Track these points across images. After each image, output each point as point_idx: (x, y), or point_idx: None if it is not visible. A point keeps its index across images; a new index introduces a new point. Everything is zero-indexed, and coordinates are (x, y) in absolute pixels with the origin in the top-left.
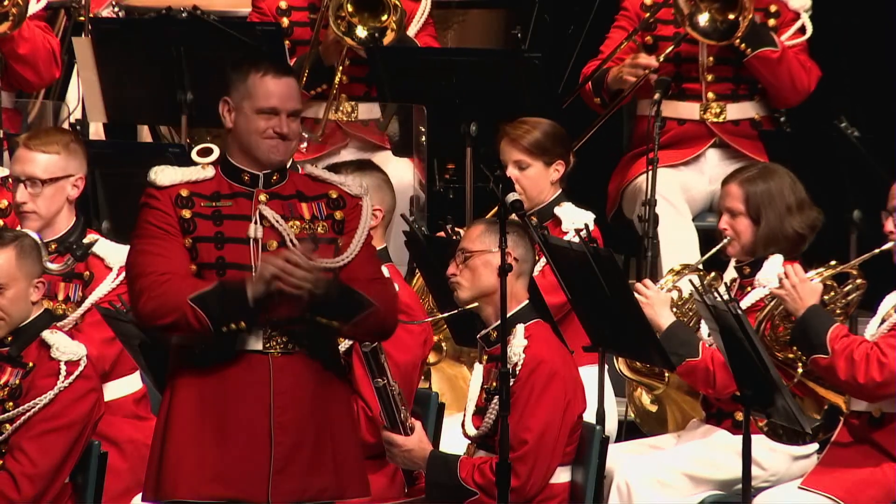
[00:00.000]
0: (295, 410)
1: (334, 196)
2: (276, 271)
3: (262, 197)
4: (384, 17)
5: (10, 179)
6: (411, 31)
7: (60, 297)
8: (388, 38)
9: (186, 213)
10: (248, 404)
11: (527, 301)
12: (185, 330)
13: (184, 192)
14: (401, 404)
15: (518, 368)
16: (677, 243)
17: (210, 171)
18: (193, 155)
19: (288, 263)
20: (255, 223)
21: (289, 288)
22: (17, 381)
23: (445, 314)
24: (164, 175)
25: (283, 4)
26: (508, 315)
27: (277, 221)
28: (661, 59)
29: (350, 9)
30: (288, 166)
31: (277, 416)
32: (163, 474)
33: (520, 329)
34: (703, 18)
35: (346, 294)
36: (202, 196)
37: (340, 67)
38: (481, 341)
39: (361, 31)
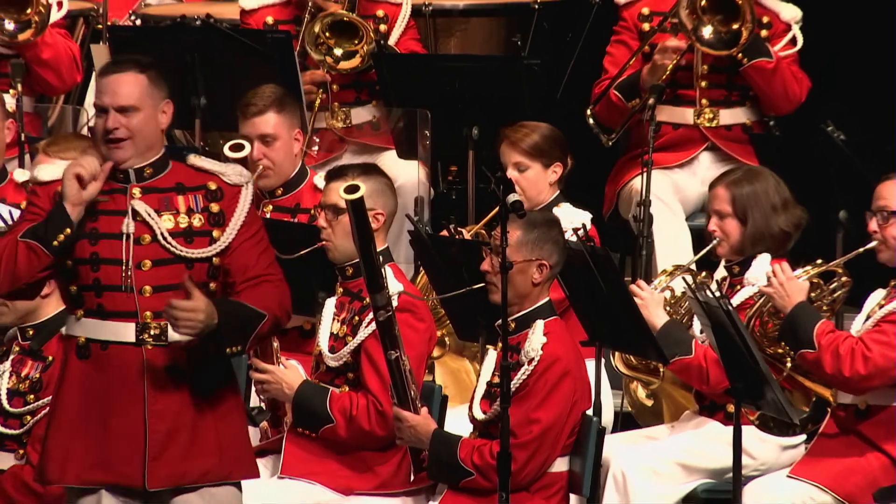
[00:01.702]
0: (169, 399)
1: (213, 187)
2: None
3: (136, 191)
4: (356, 41)
5: (30, 185)
6: (394, 36)
7: None
8: (356, 61)
9: None
10: (124, 394)
11: (547, 298)
12: (28, 269)
13: (60, 188)
14: (411, 381)
15: (535, 362)
16: (671, 242)
17: None
18: (226, 150)
19: (178, 310)
20: (129, 218)
21: (185, 332)
22: (38, 375)
23: (450, 293)
24: (45, 172)
25: (270, 19)
26: (528, 310)
27: (150, 216)
28: (675, 61)
29: (326, 34)
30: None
31: (151, 404)
32: (48, 461)
33: (539, 325)
34: (707, 31)
35: (237, 316)
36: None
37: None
38: (498, 329)
39: (338, 51)
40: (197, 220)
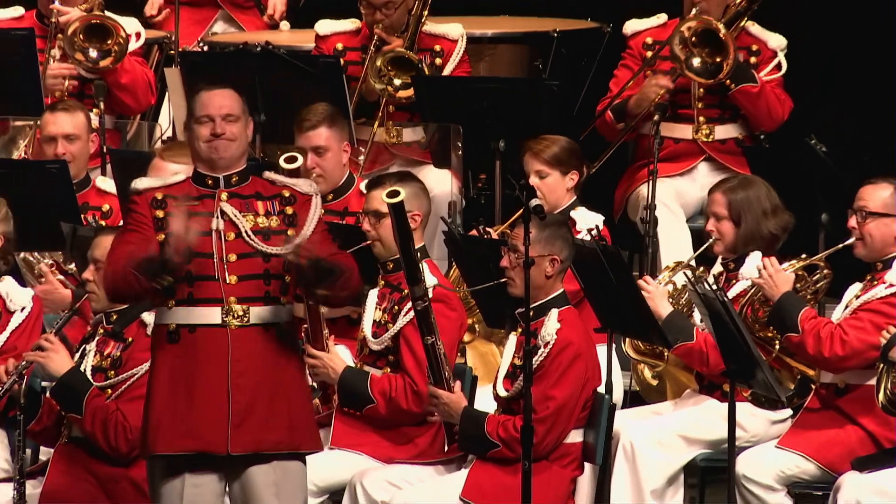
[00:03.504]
0: (250, 374)
1: (287, 195)
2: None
3: (224, 196)
4: (414, 73)
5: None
6: (449, 67)
7: None
8: (410, 91)
9: (160, 213)
10: (210, 369)
11: (561, 289)
12: (135, 293)
13: (158, 195)
14: (445, 363)
15: (550, 346)
16: (673, 241)
17: (181, 177)
18: (281, 161)
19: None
20: (217, 217)
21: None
22: (119, 354)
23: (478, 287)
24: (141, 182)
25: (340, 46)
26: (545, 300)
27: (235, 216)
28: (673, 84)
29: (388, 67)
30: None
31: (234, 378)
32: (147, 434)
33: (554, 313)
34: (696, 62)
35: (322, 264)
36: (174, 197)
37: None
38: (518, 317)
39: (397, 81)
40: (274, 222)
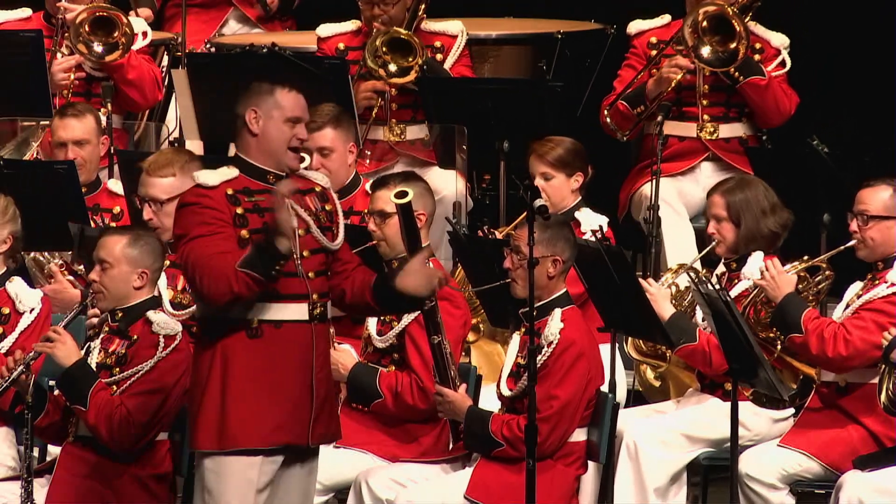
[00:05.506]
0: (325, 368)
1: (319, 189)
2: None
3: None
4: (410, 59)
5: (138, 199)
6: (448, 62)
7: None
8: (410, 77)
9: (240, 210)
10: (296, 365)
11: (564, 289)
12: (253, 294)
13: (229, 191)
14: (451, 363)
15: (554, 345)
16: (677, 240)
17: (235, 171)
18: None
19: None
20: (293, 214)
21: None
22: (124, 351)
23: (482, 287)
24: (211, 177)
25: (342, 46)
26: (548, 300)
27: (301, 213)
28: (679, 77)
29: (384, 49)
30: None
31: (317, 373)
32: (227, 428)
33: (557, 312)
34: (706, 50)
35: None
36: (240, 192)
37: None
38: (522, 316)
39: (392, 67)
40: (323, 218)
